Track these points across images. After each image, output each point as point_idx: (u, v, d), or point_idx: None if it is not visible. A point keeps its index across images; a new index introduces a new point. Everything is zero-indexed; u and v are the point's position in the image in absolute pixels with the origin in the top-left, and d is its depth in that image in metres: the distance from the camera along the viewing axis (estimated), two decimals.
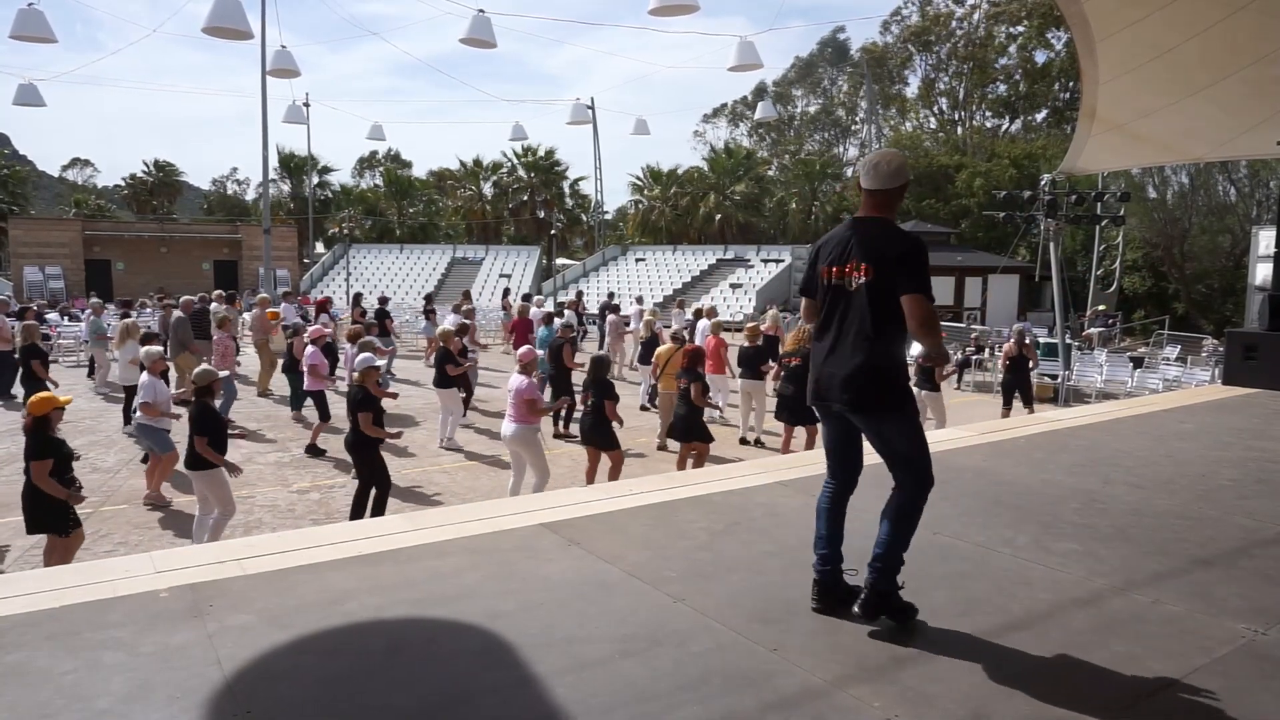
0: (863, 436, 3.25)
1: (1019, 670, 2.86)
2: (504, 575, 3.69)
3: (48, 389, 9.74)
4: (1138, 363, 17.30)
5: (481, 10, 14.33)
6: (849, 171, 52.77)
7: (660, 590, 3.53)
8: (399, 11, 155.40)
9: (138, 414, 7.96)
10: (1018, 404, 11.85)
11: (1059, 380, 15.55)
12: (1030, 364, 12.25)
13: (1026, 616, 3.31)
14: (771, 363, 11.10)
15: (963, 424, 8.33)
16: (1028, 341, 12.25)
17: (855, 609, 3.13)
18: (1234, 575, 3.84)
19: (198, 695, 2.64)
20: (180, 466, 7.31)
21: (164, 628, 3.10)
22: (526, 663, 2.88)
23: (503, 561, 3.86)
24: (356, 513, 7.30)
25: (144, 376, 7.97)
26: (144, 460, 8.41)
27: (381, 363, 7.77)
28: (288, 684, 2.75)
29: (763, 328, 12.22)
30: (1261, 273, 21.78)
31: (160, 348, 8.64)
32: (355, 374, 7.47)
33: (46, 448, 5.62)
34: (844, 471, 3.34)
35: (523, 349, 8.22)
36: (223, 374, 7.74)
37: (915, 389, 10.64)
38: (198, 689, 2.67)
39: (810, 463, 6.02)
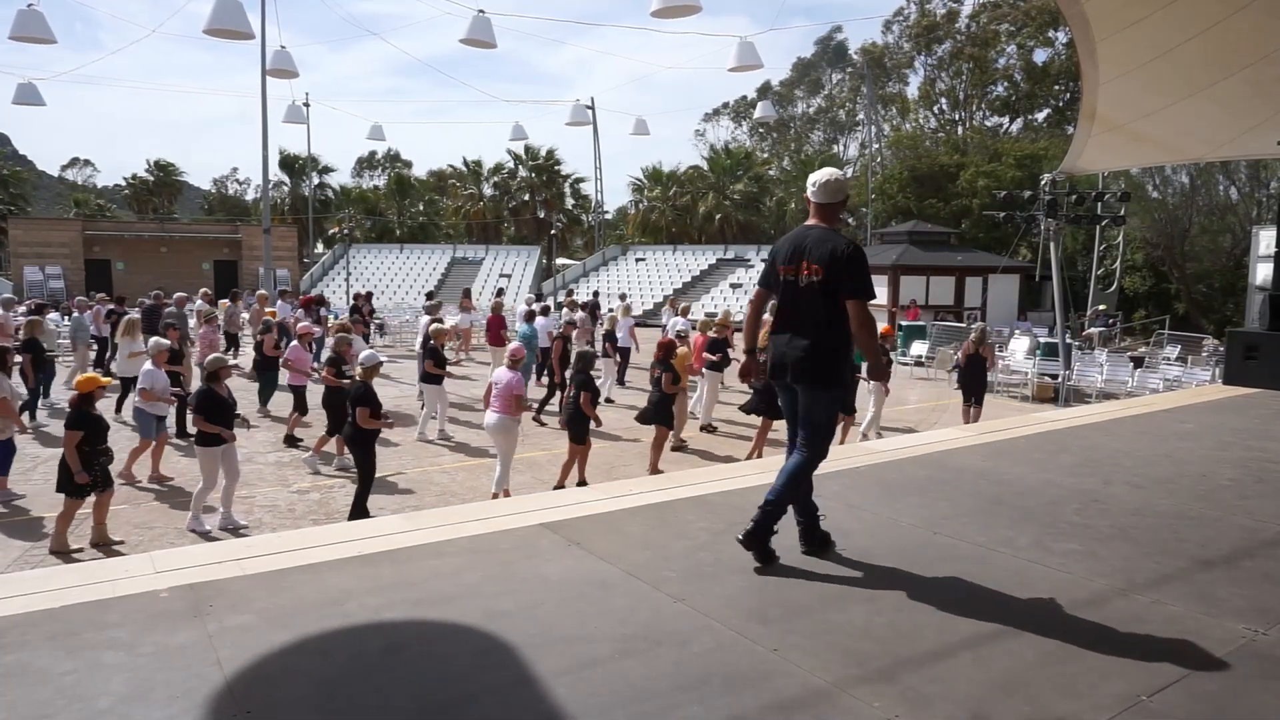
0: None
1: (1019, 670, 2.86)
2: (503, 575, 3.69)
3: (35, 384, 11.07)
4: (1138, 363, 17.27)
5: (481, 10, 14.36)
6: (848, 171, 52.79)
7: (660, 590, 3.52)
8: (399, 11, 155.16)
9: (135, 399, 8.72)
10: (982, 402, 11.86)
11: (1059, 380, 15.54)
12: (987, 364, 12.16)
13: (1027, 617, 3.31)
14: (730, 354, 11.70)
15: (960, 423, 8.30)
16: (988, 343, 12.20)
17: (738, 537, 3.72)
18: (1234, 575, 3.84)
19: (198, 695, 2.64)
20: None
21: (164, 628, 3.10)
22: (526, 663, 2.87)
23: (502, 561, 3.85)
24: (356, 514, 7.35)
25: (146, 364, 8.70)
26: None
27: (373, 353, 8.14)
28: (287, 684, 2.75)
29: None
30: (1262, 272, 21.77)
31: (166, 340, 9.46)
32: (358, 369, 7.91)
33: (82, 421, 6.55)
34: None
35: (513, 345, 8.62)
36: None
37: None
38: (198, 689, 2.67)
39: None
